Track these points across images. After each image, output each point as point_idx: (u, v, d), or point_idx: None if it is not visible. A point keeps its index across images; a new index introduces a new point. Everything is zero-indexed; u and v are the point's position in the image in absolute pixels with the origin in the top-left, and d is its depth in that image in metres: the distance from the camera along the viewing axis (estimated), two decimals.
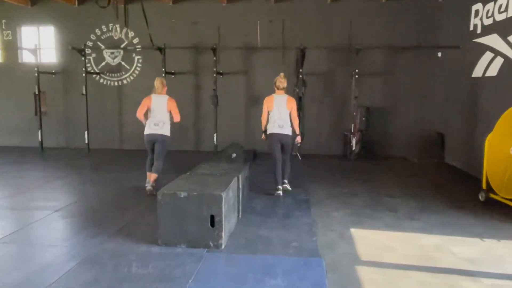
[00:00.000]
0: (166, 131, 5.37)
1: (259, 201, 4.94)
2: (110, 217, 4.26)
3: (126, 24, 6.52)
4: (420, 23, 8.08)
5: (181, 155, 8.26)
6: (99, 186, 5.63)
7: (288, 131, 5.30)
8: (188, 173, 4.33)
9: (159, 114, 5.34)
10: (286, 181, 5.54)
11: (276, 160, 5.38)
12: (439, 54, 8.00)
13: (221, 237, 3.41)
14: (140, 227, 3.94)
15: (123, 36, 6.68)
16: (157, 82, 5.44)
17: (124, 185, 5.71)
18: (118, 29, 6.44)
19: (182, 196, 3.44)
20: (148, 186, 5.22)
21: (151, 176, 5.29)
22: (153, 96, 5.42)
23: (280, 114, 5.28)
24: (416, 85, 8.23)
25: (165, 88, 5.50)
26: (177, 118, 5.44)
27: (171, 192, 3.47)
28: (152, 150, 5.42)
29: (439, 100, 8.07)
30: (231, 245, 3.50)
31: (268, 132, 5.36)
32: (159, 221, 3.49)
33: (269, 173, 6.59)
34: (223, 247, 3.44)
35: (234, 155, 7.20)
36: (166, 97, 5.43)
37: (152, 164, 5.41)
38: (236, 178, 4.10)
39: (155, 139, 5.34)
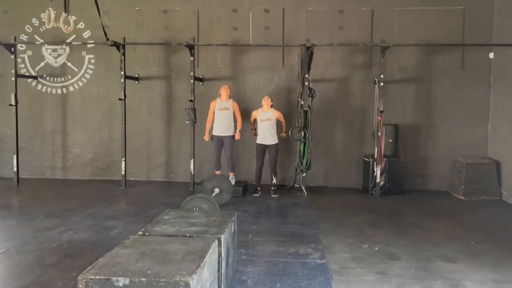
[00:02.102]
0: None
1: (252, 268, 3.85)
2: None
3: (66, 8, 5.48)
4: (467, 14, 7.25)
5: (142, 190, 7.22)
6: (13, 242, 4.46)
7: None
8: (139, 234, 3.22)
9: None
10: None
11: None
12: (491, 55, 7.19)
13: None
14: None
15: (61, 26, 5.61)
16: None
17: (52, 241, 4.54)
18: (52, 14, 5.35)
19: (121, 284, 2.34)
20: None
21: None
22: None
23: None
24: (461, 96, 7.35)
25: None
26: None
27: (102, 278, 2.37)
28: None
29: (493, 116, 7.21)
30: None
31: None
32: None
33: (267, 217, 5.54)
34: None
35: (216, 191, 6.18)
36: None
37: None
38: (216, 242, 3.02)
39: None
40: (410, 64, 7.39)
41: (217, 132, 6.90)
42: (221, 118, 6.86)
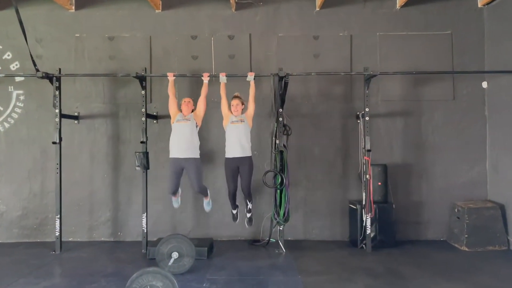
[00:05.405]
0: None
1: None
2: None
3: None
4: (456, 39, 6.70)
5: (82, 255, 5.97)
6: None
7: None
8: None
9: None
10: None
11: None
12: (485, 84, 6.61)
13: None
14: None
15: None
16: None
17: None
18: None
19: None
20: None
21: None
22: None
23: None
24: (454, 131, 6.68)
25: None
26: None
27: None
28: None
29: (492, 153, 6.55)
30: None
31: None
32: None
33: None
34: None
35: (175, 255, 5.09)
36: None
37: None
38: None
39: None
40: (396, 96, 6.69)
41: (175, 153, 5.73)
42: (181, 132, 5.75)
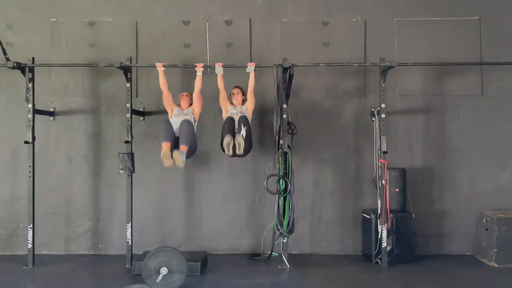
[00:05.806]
0: None
1: None
2: None
3: None
4: (484, 26, 6.36)
5: (58, 270, 5.65)
6: None
7: None
8: None
9: None
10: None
11: None
12: None
13: None
14: None
15: None
16: None
17: None
18: None
19: None
20: None
21: None
22: None
23: None
24: (482, 130, 6.36)
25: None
26: None
27: None
28: None
29: None
30: None
31: None
32: None
33: None
34: None
35: (164, 271, 4.79)
36: None
37: None
38: None
39: None
40: (416, 90, 6.37)
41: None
42: (178, 125, 5.66)
